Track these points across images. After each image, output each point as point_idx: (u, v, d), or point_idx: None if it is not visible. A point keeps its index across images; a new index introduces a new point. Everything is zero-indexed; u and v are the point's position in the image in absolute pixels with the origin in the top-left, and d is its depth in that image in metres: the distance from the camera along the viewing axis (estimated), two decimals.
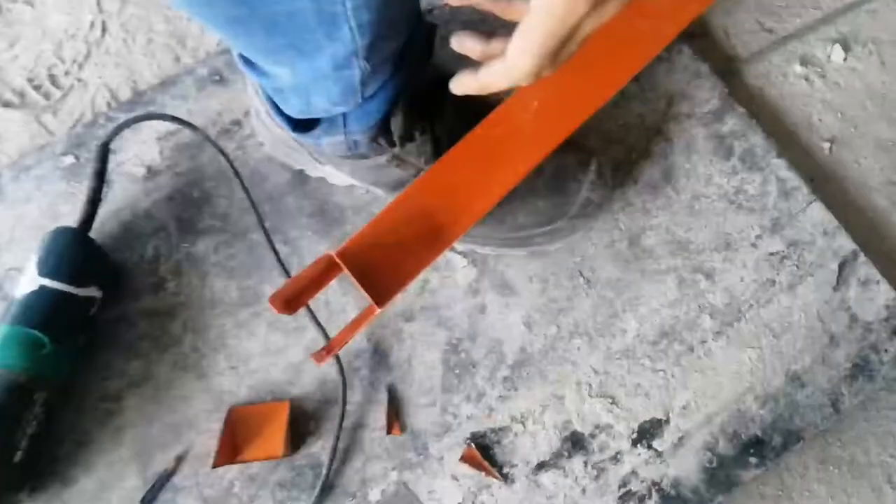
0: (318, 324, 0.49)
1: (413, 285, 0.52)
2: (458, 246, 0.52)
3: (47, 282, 0.45)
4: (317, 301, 0.51)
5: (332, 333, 0.50)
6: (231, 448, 0.48)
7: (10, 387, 0.43)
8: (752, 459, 0.48)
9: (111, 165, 0.54)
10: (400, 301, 0.51)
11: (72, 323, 0.46)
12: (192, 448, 0.49)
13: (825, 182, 0.56)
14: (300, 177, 0.53)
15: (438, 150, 0.45)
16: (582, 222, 0.49)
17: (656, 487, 0.48)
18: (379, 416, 0.49)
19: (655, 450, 0.48)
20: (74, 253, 0.47)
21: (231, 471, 0.48)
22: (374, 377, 0.50)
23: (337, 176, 0.50)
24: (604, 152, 0.53)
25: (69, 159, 0.55)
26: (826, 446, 0.50)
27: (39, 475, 0.47)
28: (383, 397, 0.50)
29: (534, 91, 0.43)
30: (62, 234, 0.47)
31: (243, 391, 0.50)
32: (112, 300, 0.51)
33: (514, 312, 0.51)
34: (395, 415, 0.49)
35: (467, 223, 0.42)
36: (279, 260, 0.50)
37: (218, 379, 0.50)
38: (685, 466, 0.48)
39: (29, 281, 0.46)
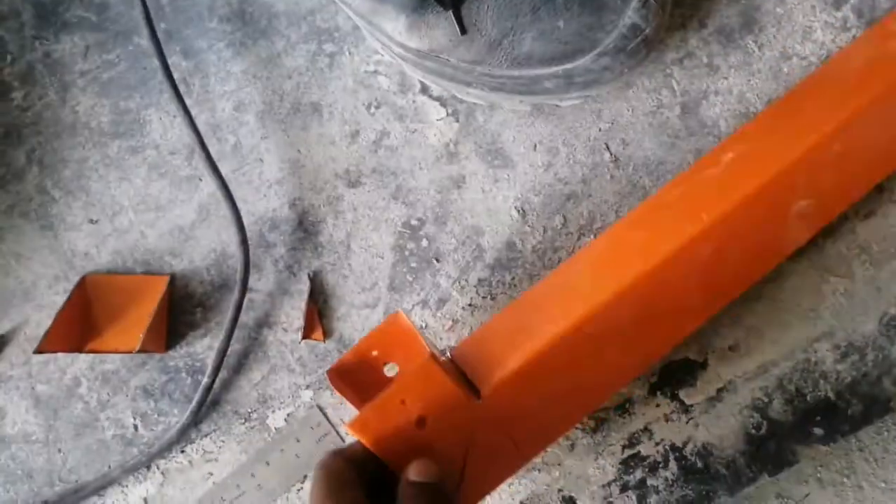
0: (219, 174, 0.34)
1: (368, 136, 0.36)
2: (434, 88, 0.36)
3: None
4: (223, 142, 0.36)
5: (242, 189, 0.35)
6: (77, 330, 0.33)
7: None
8: (818, 430, 0.34)
9: None
10: (344, 155, 0.36)
11: None
12: (26, 326, 0.34)
13: None
14: None
15: None
16: (618, 66, 0.33)
17: (676, 454, 0.33)
18: (295, 313, 0.35)
19: (682, 402, 0.34)
20: None
21: (77, 363, 0.34)
22: (295, 259, 0.35)
23: None
24: None
25: None
26: None
27: None
28: (304, 288, 0.35)
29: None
30: None
31: (105, 256, 0.35)
32: None
33: (505, 191, 0.36)
34: (318, 314, 0.35)
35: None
36: (170, 78, 0.34)
37: (71, 235, 0.35)
38: (721, 430, 0.34)
39: None
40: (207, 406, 0.34)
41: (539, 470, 0.33)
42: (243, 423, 0.34)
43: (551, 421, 0.29)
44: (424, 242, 0.35)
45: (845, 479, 0.37)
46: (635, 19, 0.31)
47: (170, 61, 0.34)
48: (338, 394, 0.30)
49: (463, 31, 0.32)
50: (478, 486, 0.28)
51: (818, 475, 0.37)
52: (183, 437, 0.33)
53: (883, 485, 0.37)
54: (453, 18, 0.31)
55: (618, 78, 0.33)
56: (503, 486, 0.33)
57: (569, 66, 0.32)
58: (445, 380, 0.27)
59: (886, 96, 0.31)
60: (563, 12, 0.31)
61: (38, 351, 0.31)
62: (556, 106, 0.36)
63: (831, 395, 0.34)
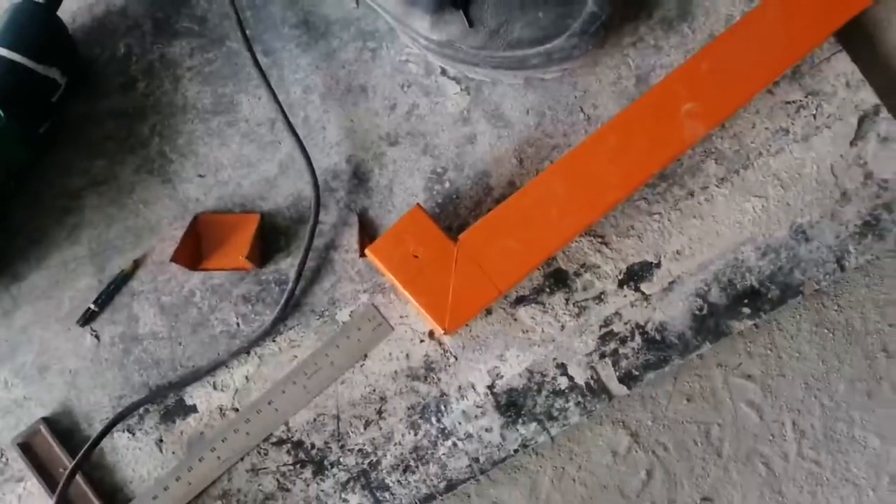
0: (297, 137, 0.46)
1: (402, 108, 0.48)
2: (451, 70, 0.48)
3: (3, 51, 0.42)
4: (295, 116, 0.48)
5: (311, 150, 0.47)
6: (194, 253, 0.45)
7: None
8: (745, 310, 0.45)
9: None
10: (385, 122, 0.48)
11: (30, 101, 0.43)
12: (153, 253, 0.46)
13: (853, 32, 0.51)
14: None
15: None
16: (584, 45, 0.45)
17: (640, 330, 0.45)
18: (352, 239, 0.46)
19: (643, 293, 0.45)
20: (37, 27, 0.43)
21: (192, 280, 0.46)
22: (351, 200, 0.47)
23: None
24: None
25: None
26: (822, 309, 0.47)
27: None
28: (356, 221, 0.47)
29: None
30: (26, 5, 0.43)
31: (211, 201, 0.47)
32: (77, 94, 0.47)
33: (507, 145, 0.48)
34: (370, 239, 0.47)
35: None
36: (259, 67, 0.46)
37: (185, 186, 0.47)
38: (673, 312, 0.45)
39: None
40: (291, 307, 0.45)
41: (538, 345, 0.45)
42: (318, 319, 0.45)
43: (514, 262, 0.42)
44: (447, 184, 0.47)
45: (769, 352, 0.48)
46: (594, 8, 0.44)
47: None
48: (377, 265, 0.42)
49: (470, 24, 0.44)
50: (464, 308, 0.41)
51: (748, 349, 0.47)
52: (274, 329, 0.45)
53: (797, 355, 0.47)
54: (463, 15, 0.44)
55: (585, 55, 0.45)
56: (512, 356, 0.44)
57: (548, 45, 0.45)
58: (431, 224, 0.42)
59: (740, 28, 0.45)
60: (542, 6, 0.43)
61: (172, 260, 0.42)
62: (542, 79, 0.48)
63: (755, 283, 0.46)
